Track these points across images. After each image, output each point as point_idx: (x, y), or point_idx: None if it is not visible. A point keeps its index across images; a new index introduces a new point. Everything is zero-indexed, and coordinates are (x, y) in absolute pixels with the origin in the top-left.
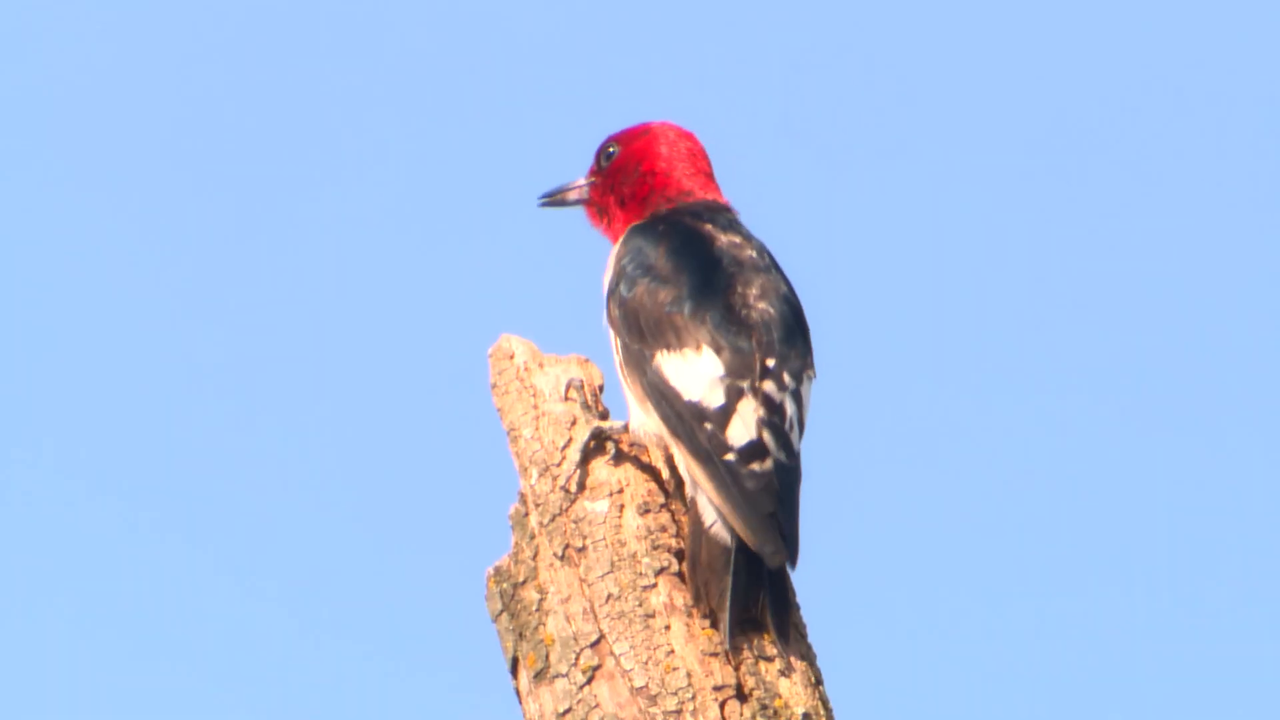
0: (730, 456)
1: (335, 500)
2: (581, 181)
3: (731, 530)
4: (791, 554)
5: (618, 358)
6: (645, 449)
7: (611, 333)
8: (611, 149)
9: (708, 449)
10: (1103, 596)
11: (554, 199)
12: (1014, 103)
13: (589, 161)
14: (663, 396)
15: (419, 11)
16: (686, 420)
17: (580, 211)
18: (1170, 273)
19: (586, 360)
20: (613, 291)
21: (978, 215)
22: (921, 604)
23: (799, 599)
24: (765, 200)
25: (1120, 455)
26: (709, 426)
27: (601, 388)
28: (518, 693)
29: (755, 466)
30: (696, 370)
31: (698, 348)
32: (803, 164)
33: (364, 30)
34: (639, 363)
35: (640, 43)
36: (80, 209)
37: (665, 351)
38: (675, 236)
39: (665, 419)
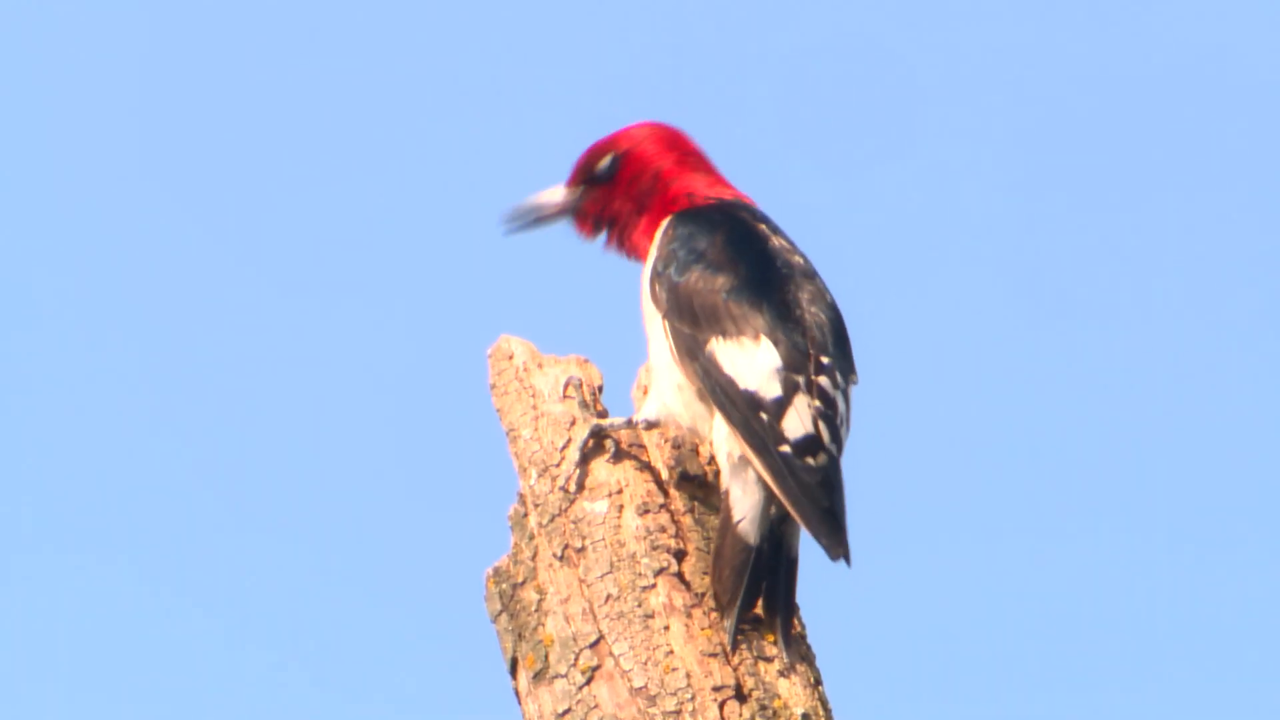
0: (785, 449)
1: (334, 500)
2: (562, 193)
3: (757, 531)
4: (846, 550)
5: (668, 341)
6: (644, 448)
7: (657, 315)
8: (608, 159)
9: (764, 438)
10: (1105, 599)
11: (530, 220)
12: (1015, 101)
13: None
14: (716, 384)
15: (418, 9)
16: (741, 409)
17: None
18: (1172, 274)
19: (586, 360)
20: (659, 274)
21: (976, 214)
22: (921, 603)
23: (797, 598)
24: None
25: (1124, 457)
26: (764, 417)
27: (600, 388)
28: (517, 693)
29: (810, 461)
30: (753, 360)
31: (755, 337)
32: (797, 163)
33: (364, 28)
34: (690, 348)
35: (637, 42)
36: (75, 211)
37: (720, 339)
38: (731, 227)
39: (721, 407)
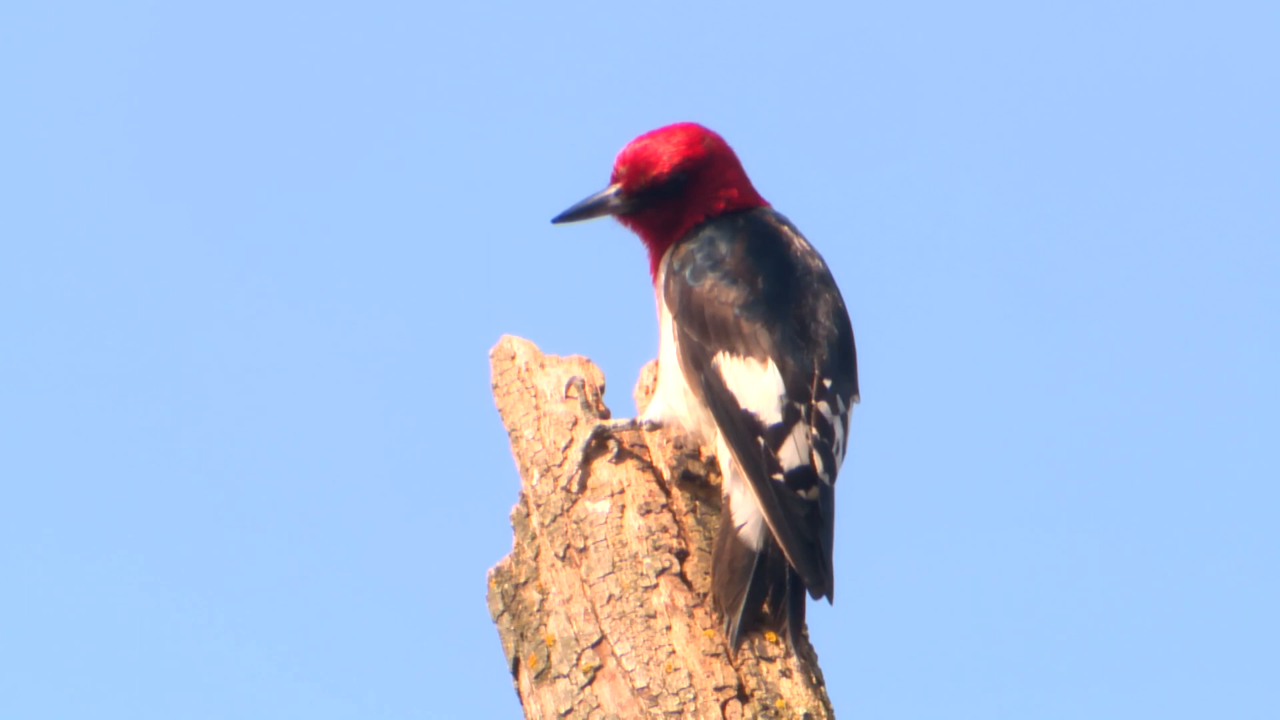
0: (779, 477)
1: (336, 500)
2: (614, 200)
3: (760, 536)
4: (830, 587)
5: (674, 344)
6: (647, 448)
7: (669, 314)
8: (676, 175)
9: (758, 463)
10: (1104, 599)
11: (579, 219)
12: (1014, 102)
13: (582, 162)
14: (717, 399)
15: (418, 9)
16: (739, 428)
17: (600, 221)
18: (1170, 274)
19: (588, 361)
20: (675, 273)
21: (975, 214)
22: (922, 604)
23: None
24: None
25: (1122, 457)
26: (762, 441)
27: (603, 388)
28: (519, 693)
29: (802, 493)
30: (758, 382)
31: (763, 360)
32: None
33: (366, 28)
34: (697, 357)
35: (639, 41)
36: (75, 211)
37: (727, 354)
38: (753, 235)
39: (720, 421)
